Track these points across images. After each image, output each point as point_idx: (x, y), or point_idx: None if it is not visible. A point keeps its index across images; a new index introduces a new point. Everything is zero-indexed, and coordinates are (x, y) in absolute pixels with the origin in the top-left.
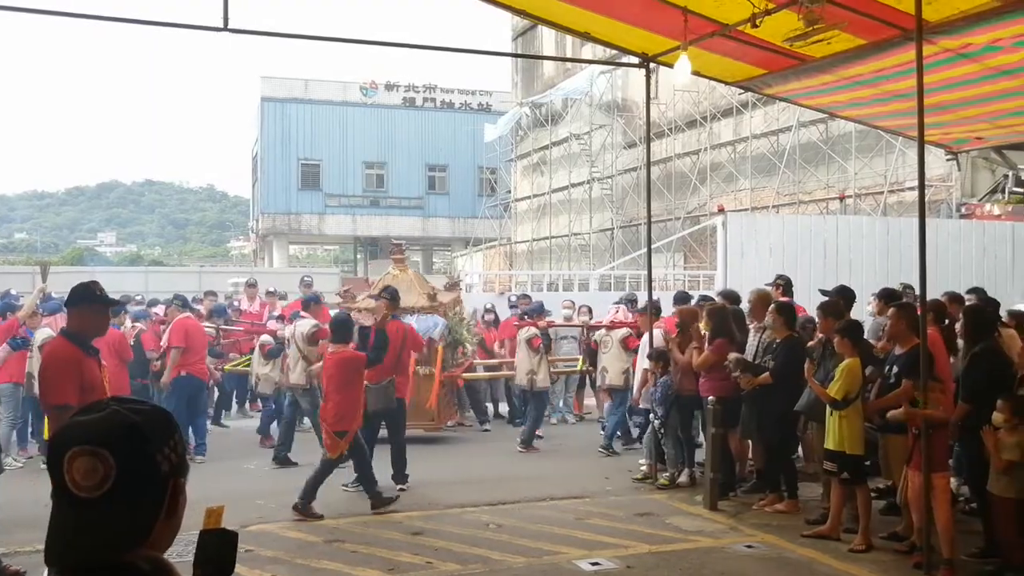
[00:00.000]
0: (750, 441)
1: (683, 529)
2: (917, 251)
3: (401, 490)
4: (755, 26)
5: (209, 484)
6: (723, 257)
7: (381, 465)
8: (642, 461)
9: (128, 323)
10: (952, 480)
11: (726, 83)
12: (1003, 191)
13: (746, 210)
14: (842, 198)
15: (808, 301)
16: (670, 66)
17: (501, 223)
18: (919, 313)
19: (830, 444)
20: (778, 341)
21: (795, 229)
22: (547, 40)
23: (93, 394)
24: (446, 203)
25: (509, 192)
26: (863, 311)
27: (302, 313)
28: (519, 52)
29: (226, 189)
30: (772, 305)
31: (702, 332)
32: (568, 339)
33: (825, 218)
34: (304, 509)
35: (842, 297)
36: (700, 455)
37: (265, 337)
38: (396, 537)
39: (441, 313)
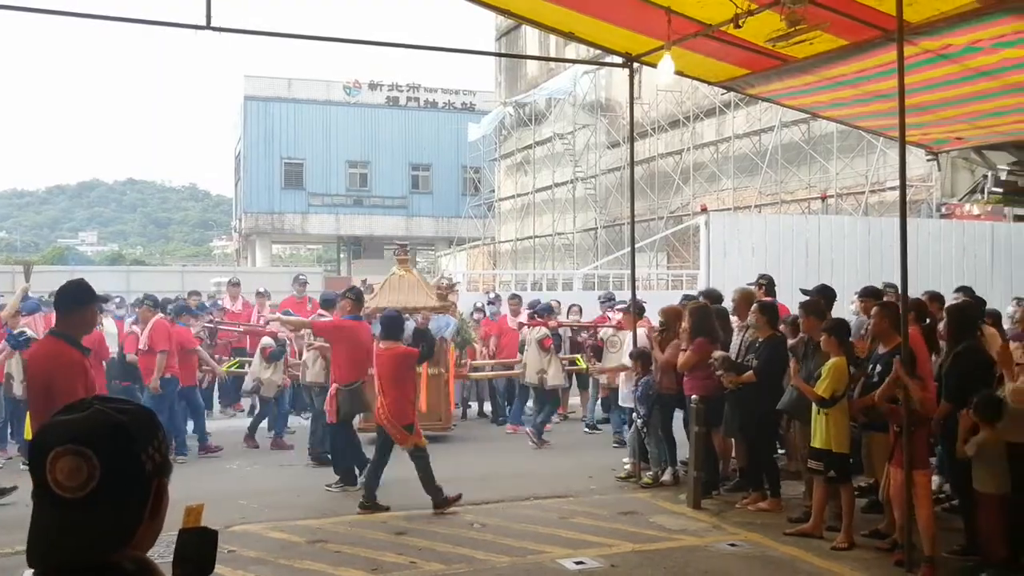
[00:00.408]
0: (733, 440)
1: (667, 528)
2: (898, 251)
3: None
4: (738, 26)
5: (191, 484)
6: (706, 256)
7: (397, 465)
8: (626, 460)
9: (106, 322)
10: (935, 478)
11: (709, 83)
12: (982, 191)
13: (728, 210)
14: (824, 198)
15: (790, 300)
16: (653, 66)
17: (485, 223)
18: (902, 312)
19: (817, 443)
20: (761, 340)
21: (777, 229)
22: (531, 40)
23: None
24: (430, 202)
25: (493, 191)
26: (844, 310)
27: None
28: (503, 52)
29: (209, 188)
30: (755, 304)
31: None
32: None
33: (807, 218)
34: (442, 502)
35: (823, 296)
36: (684, 454)
37: (266, 339)
38: (380, 537)
39: (452, 313)
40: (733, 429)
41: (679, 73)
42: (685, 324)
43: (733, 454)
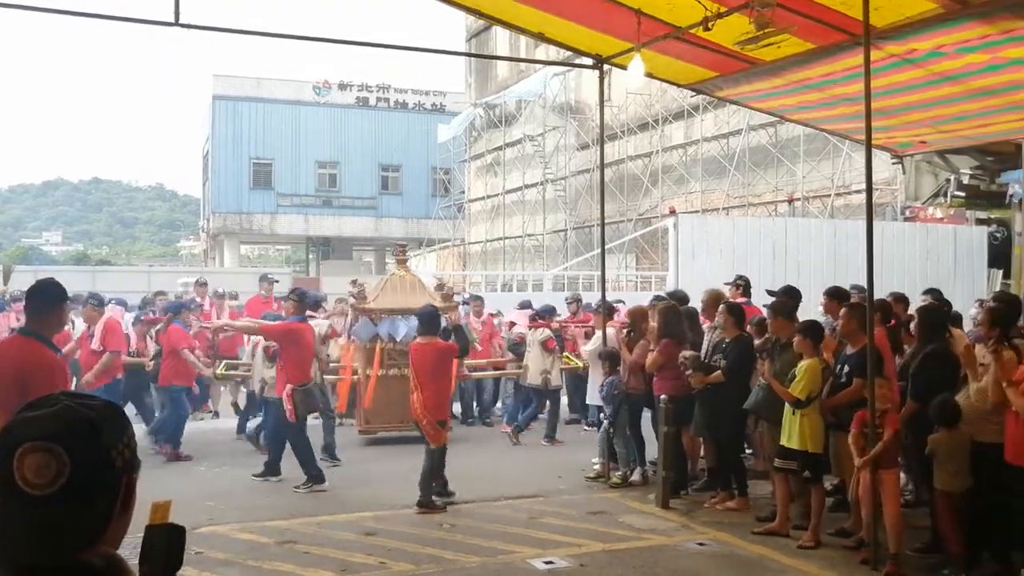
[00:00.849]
0: (701, 440)
1: (636, 527)
2: (863, 252)
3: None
4: (707, 29)
5: (158, 485)
6: (675, 258)
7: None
8: (595, 460)
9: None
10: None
11: (679, 85)
12: (945, 195)
13: (697, 212)
14: (791, 200)
15: (757, 301)
16: (623, 67)
17: (455, 224)
18: (868, 313)
19: (793, 443)
20: (728, 340)
21: (745, 231)
22: (501, 41)
23: None
24: (399, 203)
25: (463, 193)
26: (811, 312)
27: (310, 313)
28: (473, 52)
29: (176, 188)
30: (722, 305)
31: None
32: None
33: (774, 220)
34: (428, 503)
35: (789, 297)
36: (652, 453)
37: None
38: (349, 538)
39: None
40: (702, 429)
41: (649, 75)
42: (653, 324)
43: (702, 454)
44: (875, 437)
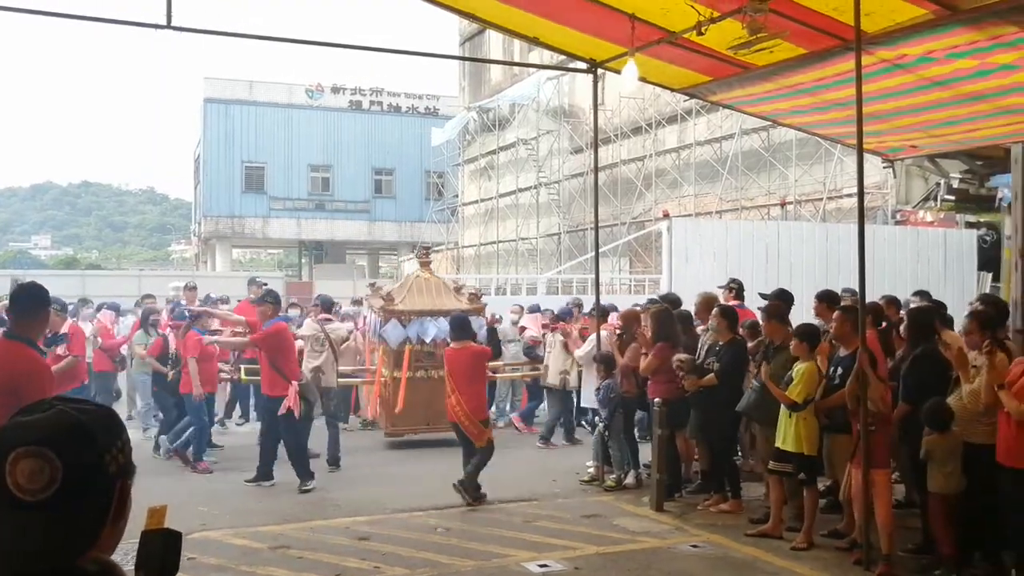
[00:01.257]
0: (695, 442)
1: (630, 530)
2: (855, 256)
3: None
4: (700, 34)
5: (150, 490)
6: (668, 261)
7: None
8: (589, 463)
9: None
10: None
11: (672, 90)
12: (935, 198)
13: (690, 216)
14: (783, 204)
15: (750, 304)
16: (617, 72)
17: (448, 227)
18: (859, 315)
19: (789, 445)
20: (721, 344)
21: (738, 234)
22: (495, 46)
23: None
24: (392, 207)
25: (456, 196)
26: (803, 315)
27: (325, 316)
28: (467, 57)
29: (167, 192)
30: (716, 308)
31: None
32: (515, 342)
33: (767, 223)
34: (477, 497)
35: (781, 300)
36: (646, 456)
37: (299, 342)
38: (342, 542)
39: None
40: (695, 431)
41: (642, 79)
42: (647, 328)
43: (695, 457)
44: (868, 438)
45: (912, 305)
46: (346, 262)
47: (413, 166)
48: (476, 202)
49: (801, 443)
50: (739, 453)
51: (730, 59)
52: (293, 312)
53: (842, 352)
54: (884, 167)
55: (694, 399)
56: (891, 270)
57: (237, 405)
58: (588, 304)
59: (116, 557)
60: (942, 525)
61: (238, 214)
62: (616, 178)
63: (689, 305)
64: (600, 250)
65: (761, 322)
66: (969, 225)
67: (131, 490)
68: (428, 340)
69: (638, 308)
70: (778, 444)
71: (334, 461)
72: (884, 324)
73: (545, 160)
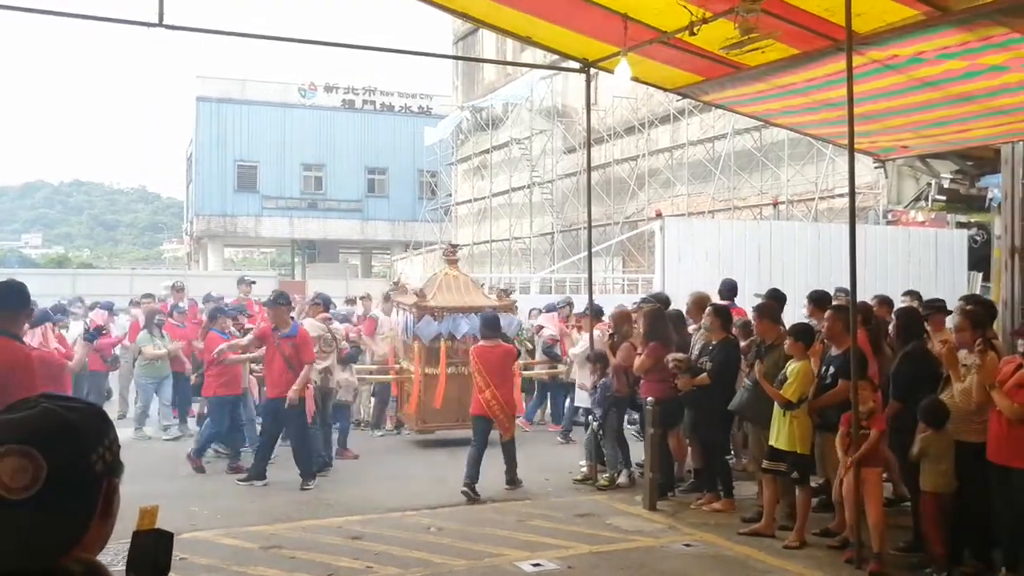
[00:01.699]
0: (688, 441)
1: (623, 529)
2: (847, 256)
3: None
4: (693, 34)
5: (141, 490)
6: (661, 261)
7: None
8: (582, 462)
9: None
10: None
11: (665, 89)
12: (926, 199)
13: (683, 215)
14: (775, 204)
15: (743, 304)
16: (610, 71)
17: (441, 226)
18: (851, 315)
19: (782, 444)
20: (714, 343)
21: (730, 234)
22: (488, 45)
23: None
24: (385, 206)
25: (449, 195)
26: (796, 314)
27: (325, 316)
28: (460, 56)
29: (159, 190)
30: (709, 307)
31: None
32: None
33: (759, 223)
34: (517, 484)
35: (774, 300)
36: (639, 455)
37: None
38: (335, 542)
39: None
40: (689, 430)
41: (635, 79)
42: (639, 327)
43: (688, 456)
44: (859, 437)
45: (902, 304)
46: (339, 261)
47: (406, 165)
48: (469, 201)
49: (795, 442)
50: (731, 452)
51: (722, 59)
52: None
53: (833, 351)
54: (875, 167)
55: (688, 398)
56: (882, 270)
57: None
58: (580, 303)
59: (107, 558)
60: (933, 524)
61: (230, 213)
62: (609, 178)
63: (681, 304)
64: (593, 249)
65: (753, 321)
66: (960, 225)
67: (119, 488)
68: (459, 336)
69: (624, 307)
70: (772, 443)
71: (326, 464)
72: (872, 324)
73: (538, 159)
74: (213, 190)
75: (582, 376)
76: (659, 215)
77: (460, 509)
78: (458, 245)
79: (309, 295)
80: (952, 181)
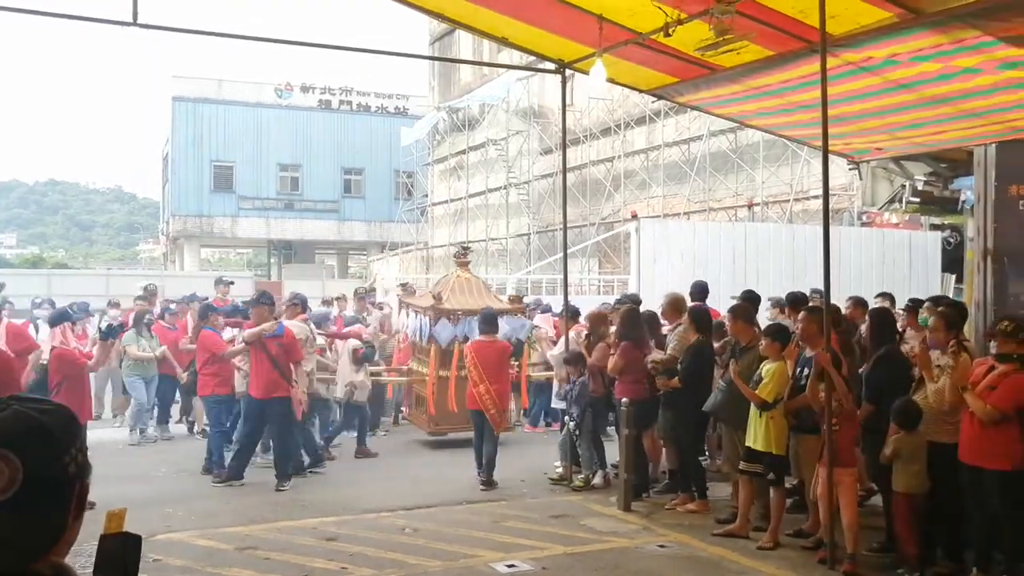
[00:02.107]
0: (663, 443)
1: (598, 530)
2: (821, 257)
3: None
4: (668, 35)
5: (115, 491)
6: (636, 262)
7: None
8: (557, 463)
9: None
10: None
11: (640, 91)
12: (900, 200)
13: (658, 217)
14: (750, 206)
15: (718, 305)
16: (585, 72)
17: (418, 227)
18: (824, 317)
19: (758, 445)
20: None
21: (706, 235)
22: (464, 46)
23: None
24: (362, 206)
25: (426, 196)
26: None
27: (303, 315)
28: (436, 56)
29: (135, 190)
30: (689, 309)
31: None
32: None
33: (734, 225)
34: (493, 485)
35: (748, 301)
36: (614, 456)
37: (354, 341)
38: (310, 543)
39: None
40: (665, 431)
41: (610, 80)
42: (614, 328)
43: (662, 457)
44: (831, 438)
45: (875, 306)
46: (315, 262)
47: (382, 166)
48: (446, 202)
49: (771, 443)
50: (705, 453)
51: (697, 60)
52: None
53: (808, 353)
54: (850, 169)
55: (665, 399)
56: (856, 272)
57: None
58: (556, 305)
59: (78, 561)
60: (906, 524)
61: (207, 213)
62: (585, 179)
63: (655, 305)
64: (569, 251)
65: (728, 323)
66: (933, 227)
67: (88, 491)
68: (472, 339)
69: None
70: (749, 443)
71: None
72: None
73: (515, 160)
74: (189, 190)
75: (560, 377)
76: (635, 216)
77: (435, 510)
78: (469, 248)
79: (285, 296)
80: (926, 183)
